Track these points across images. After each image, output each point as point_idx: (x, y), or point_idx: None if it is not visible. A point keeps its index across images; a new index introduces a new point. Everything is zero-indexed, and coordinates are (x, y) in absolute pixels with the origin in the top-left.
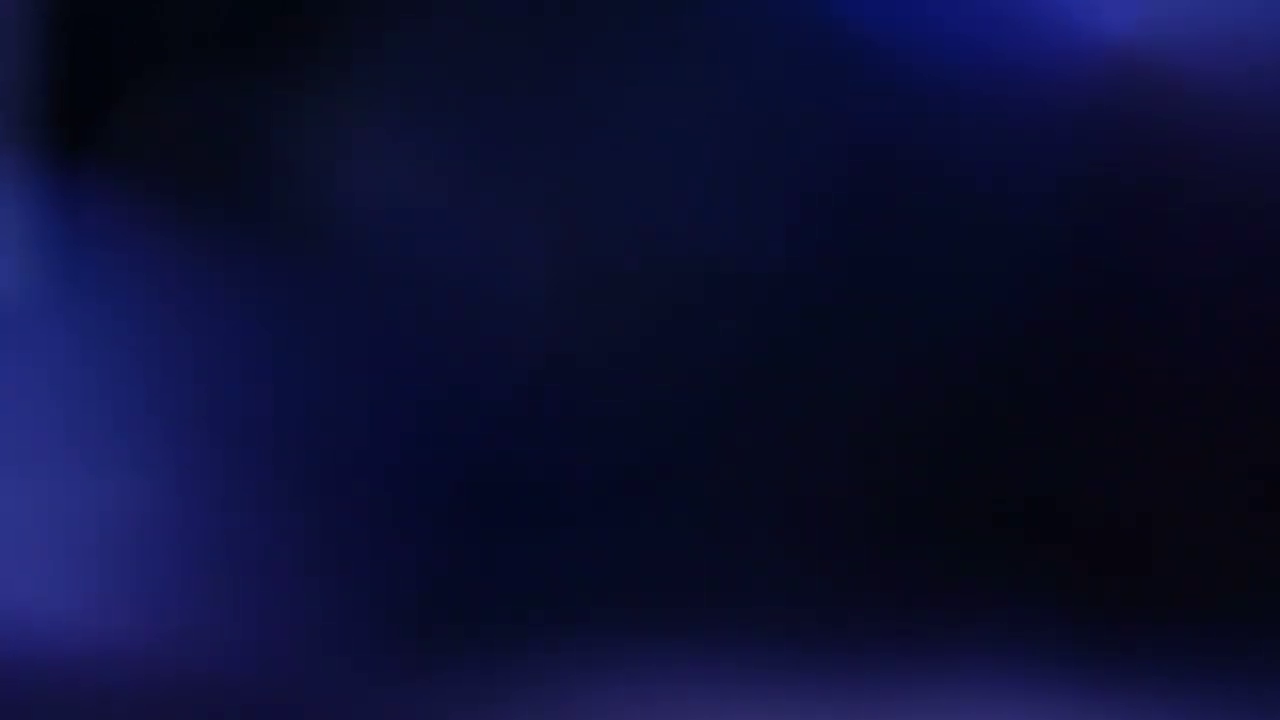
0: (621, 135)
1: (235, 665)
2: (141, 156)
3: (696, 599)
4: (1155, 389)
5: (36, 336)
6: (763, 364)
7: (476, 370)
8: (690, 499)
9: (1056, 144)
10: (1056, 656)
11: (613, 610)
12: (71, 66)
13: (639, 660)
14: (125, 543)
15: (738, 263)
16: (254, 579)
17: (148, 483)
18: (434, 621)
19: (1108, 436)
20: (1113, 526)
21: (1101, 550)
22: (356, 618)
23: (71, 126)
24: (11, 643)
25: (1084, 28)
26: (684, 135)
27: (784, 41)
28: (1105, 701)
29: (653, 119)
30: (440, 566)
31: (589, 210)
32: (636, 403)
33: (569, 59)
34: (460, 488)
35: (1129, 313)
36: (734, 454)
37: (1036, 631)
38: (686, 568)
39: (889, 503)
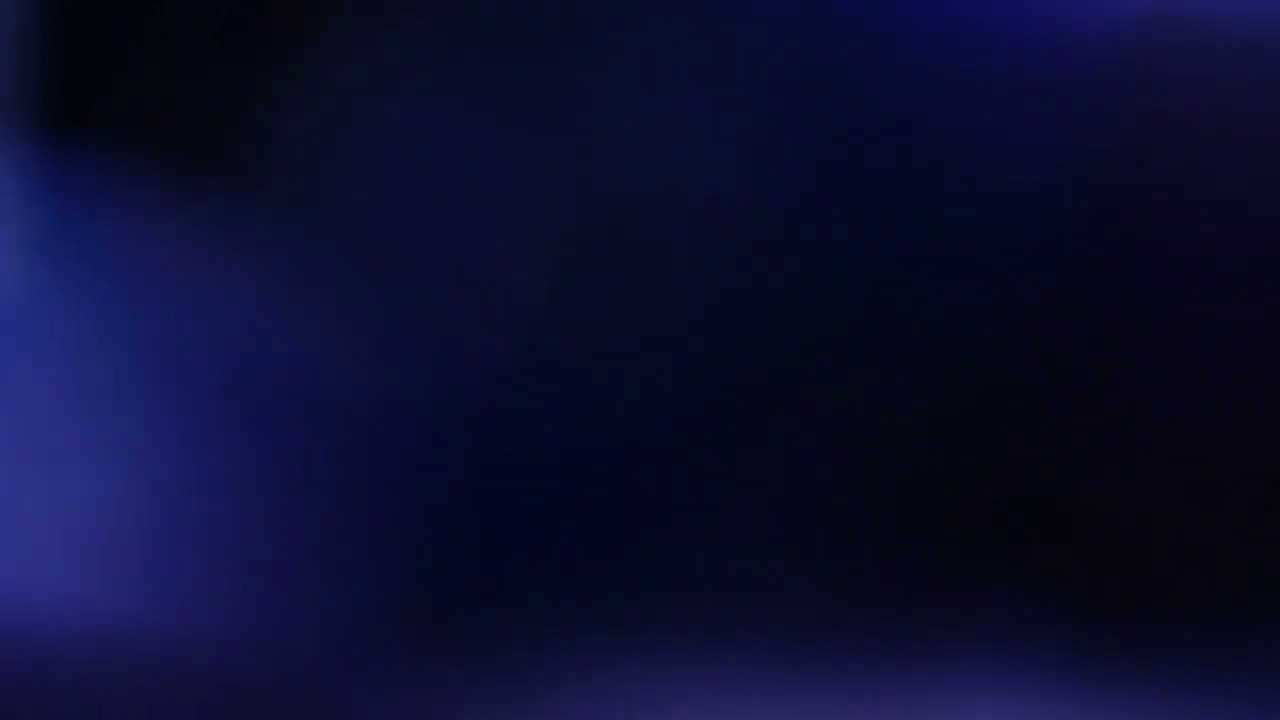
0: (628, 105)
1: (240, 655)
2: (138, 139)
3: (696, 599)
4: (1155, 389)
5: (36, 321)
6: (761, 364)
7: (472, 366)
8: (689, 498)
9: (1063, 135)
10: (1057, 656)
11: (611, 609)
12: (67, 48)
13: (637, 660)
14: (132, 529)
15: (738, 259)
16: (255, 569)
17: (151, 468)
18: (428, 620)
19: (1108, 436)
20: (1113, 526)
21: (1101, 550)
22: (360, 610)
23: (68, 109)
24: (19, 628)
25: None
26: (689, 109)
27: (798, 7)
28: (1105, 701)
29: (659, 92)
30: (434, 564)
31: (588, 189)
32: (636, 403)
33: (576, 25)
34: (456, 488)
35: (1131, 311)
36: (732, 454)
37: (1036, 631)
38: (686, 567)
39: (889, 503)
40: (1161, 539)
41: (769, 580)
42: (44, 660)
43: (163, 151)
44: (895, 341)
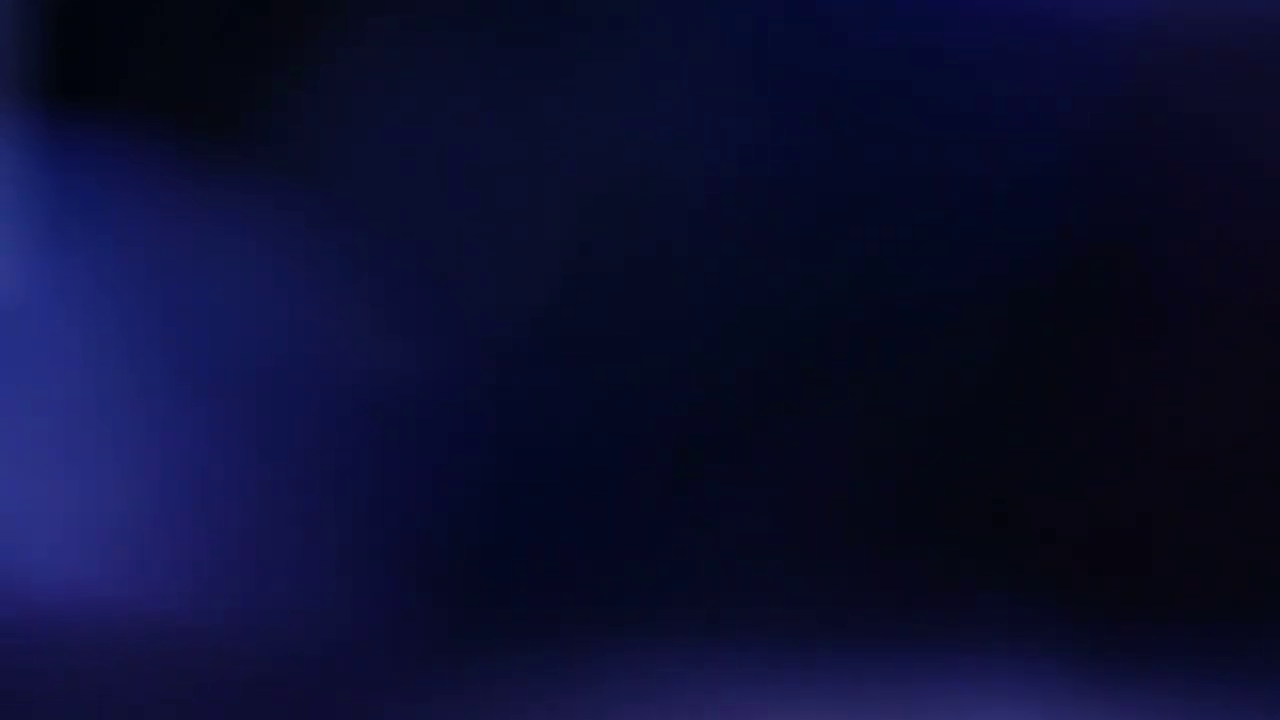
0: (631, 95)
1: (247, 645)
2: (143, 116)
3: (696, 599)
4: (1155, 389)
5: (44, 303)
6: (762, 365)
7: (472, 366)
8: (689, 499)
9: (1066, 130)
10: (1056, 656)
11: (611, 609)
12: (71, 26)
13: (638, 659)
14: (146, 517)
15: (739, 257)
16: (264, 559)
17: (163, 454)
18: (430, 615)
19: (1107, 436)
20: (1113, 526)
21: (1101, 550)
22: (366, 603)
23: (72, 86)
24: (35, 617)
25: None
26: (694, 98)
27: None
28: (1105, 701)
29: (661, 81)
30: (435, 561)
31: (590, 180)
32: (637, 404)
33: (580, 8)
34: (453, 488)
35: (1131, 311)
36: (733, 455)
37: (1036, 631)
38: (686, 568)
39: (889, 503)
40: (1161, 539)
41: (769, 580)
42: (58, 648)
43: (168, 130)
44: (895, 341)
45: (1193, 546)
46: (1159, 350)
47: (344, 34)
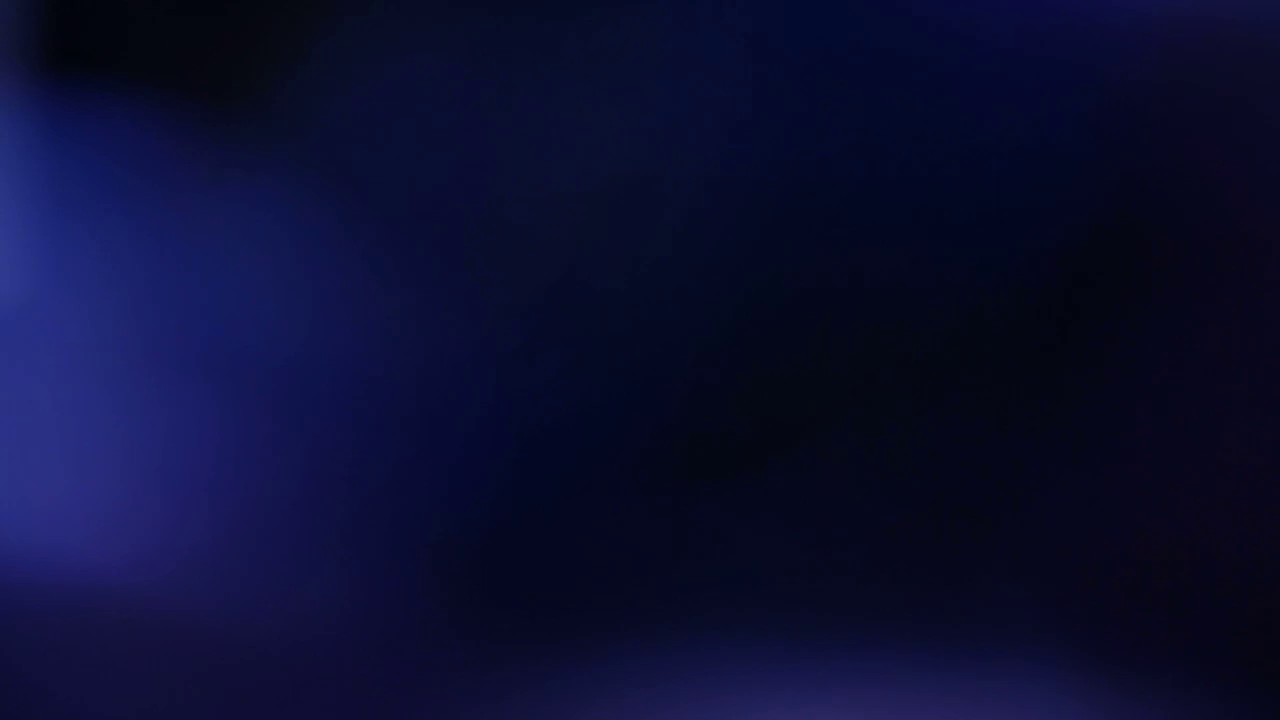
0: (632, 72)
1: (242, 627)
2: (144, 86)
3: (701, 599)
4: (1157, 389)
5: (47, 279)
6: (765, 366)
7: (472, 367)
8: (694, 501)
9: (1068, 128)
10: (1056, 656)
11: (618, 610)
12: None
13: (644, 660)
14: (147, 506)
15: (741, 261)
16: (258, 544)
17: (163, 442)
18: (436, 621)
19: (1105, 437)
20: (1111, 527)
21: (1100, 550)
22: (372, 604)
23: (74, 54)
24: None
25: None
26: (691, 90)
27: None
28: (1105, 701)
29: (662, 72)
30: (441, 568)
31: (592, 170)
32: (641, 405)
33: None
34: (458, 484)
35: (1132, 312)
36: (738, 457)
37: (1037, 631)
38: (692, 569)
39: (891, 503)
40: (1161, 539)
41: (773, 581)
42: (62, 641)
43: (170, 105)
44: (897, 340)
45: (1193, 546)
46: (1160, 351)
47: (346, 20)
